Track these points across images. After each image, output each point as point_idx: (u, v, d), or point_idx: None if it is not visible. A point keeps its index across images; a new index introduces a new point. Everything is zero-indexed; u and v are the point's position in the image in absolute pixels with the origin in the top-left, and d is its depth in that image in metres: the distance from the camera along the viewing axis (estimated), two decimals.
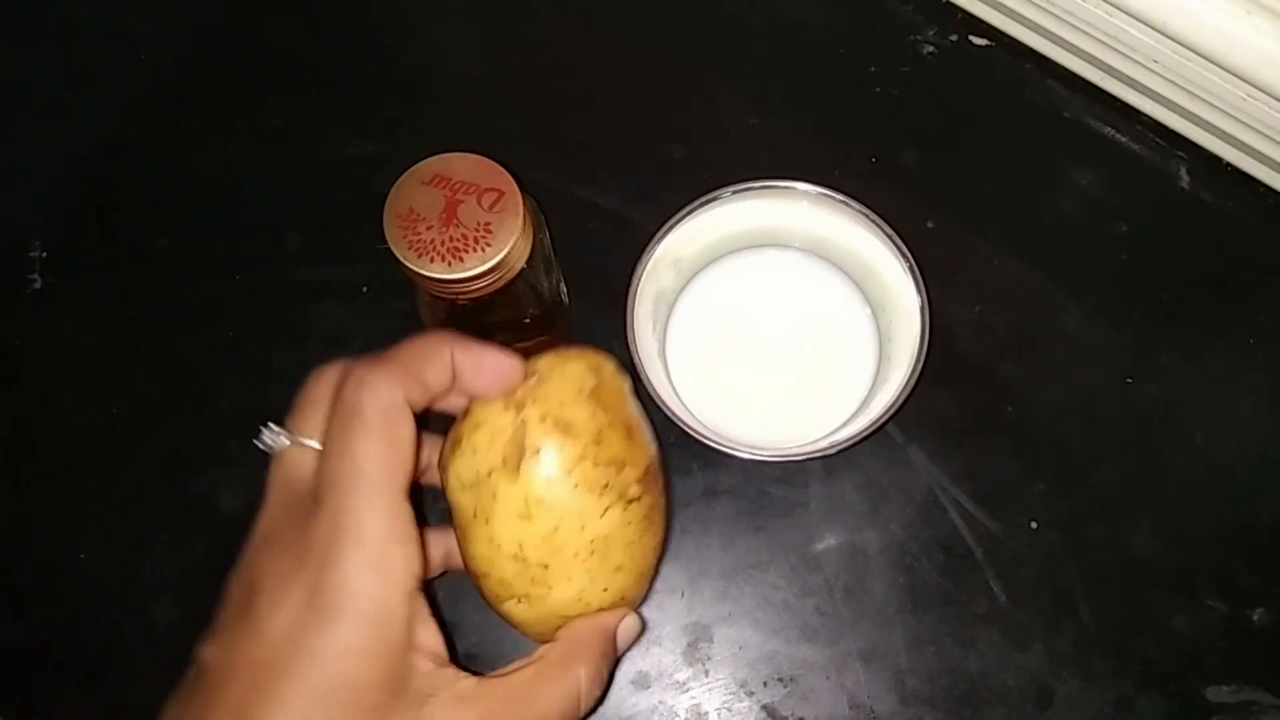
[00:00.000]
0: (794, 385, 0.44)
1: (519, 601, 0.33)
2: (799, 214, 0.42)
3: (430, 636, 0.29)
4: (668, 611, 0.43)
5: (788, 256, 0.45)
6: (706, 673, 0.43)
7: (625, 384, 0.34)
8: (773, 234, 0.44)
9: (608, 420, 0.32)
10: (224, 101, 0.51)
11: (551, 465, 0.31)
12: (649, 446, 0.34)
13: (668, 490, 0.35)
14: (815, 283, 0.45)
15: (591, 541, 0.32)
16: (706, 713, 0.42)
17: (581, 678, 0.31)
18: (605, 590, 0.33)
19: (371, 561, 0.27)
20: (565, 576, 0.32)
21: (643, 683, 0.42)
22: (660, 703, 0.42)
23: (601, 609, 0.33)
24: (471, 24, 0.52)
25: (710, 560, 0.44)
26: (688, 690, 0.42)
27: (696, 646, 0.43)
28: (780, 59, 0.51)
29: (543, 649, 0.32)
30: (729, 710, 0.42)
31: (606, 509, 0.32)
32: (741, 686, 0.42)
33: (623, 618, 0.33)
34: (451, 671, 0.29)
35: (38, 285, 0.48)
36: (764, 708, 0.42)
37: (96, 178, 0.50)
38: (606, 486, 0.32)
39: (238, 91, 0.51)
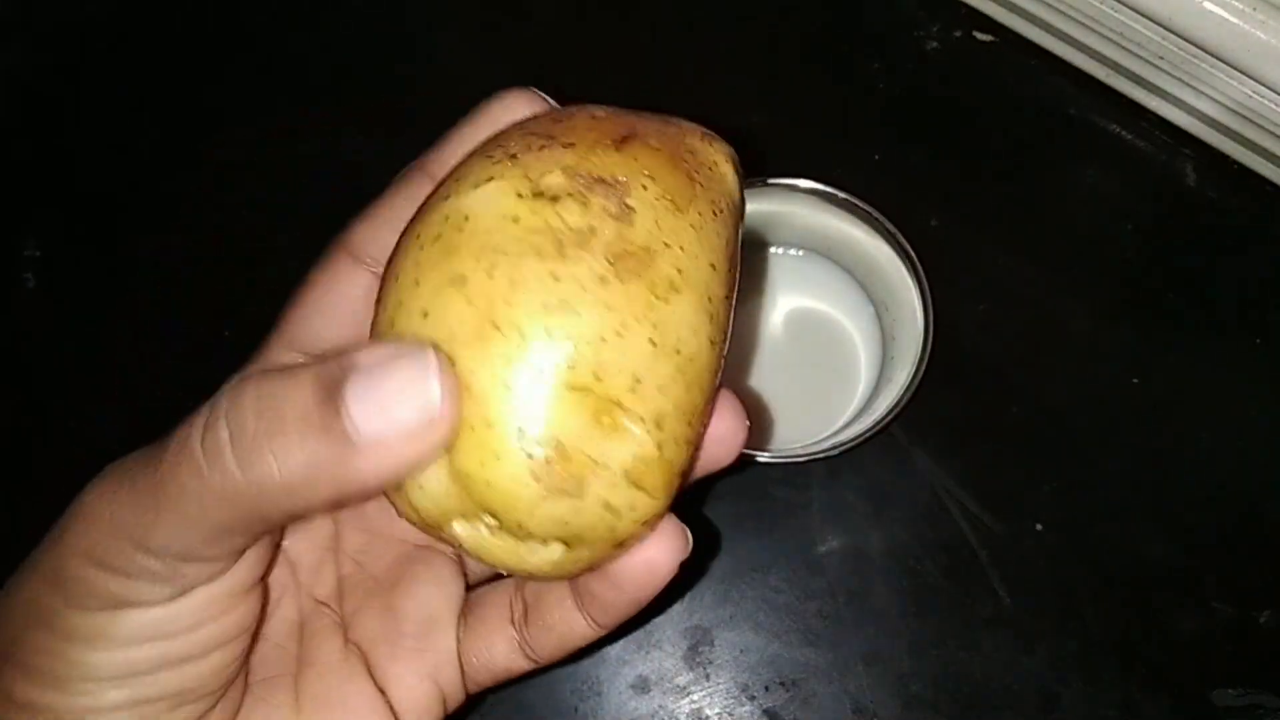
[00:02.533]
0: (795, 385, 0.43)
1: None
2: (801, 212, 0.42)
3: None
4: (668, 614, 0.43)
5: (789, 255, 0.45)
6: (707, 677, 0.42)
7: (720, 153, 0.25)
8: (774, 232, 0.44)
9: (629, 124, 0.24)
10: (222, 101, 0.51)
11: (496, 184, 0.22)
12: (720, 202, 0.24)
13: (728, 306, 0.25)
14: (817, 281, 0.44)
15: (446, 219, 0.22)
16: (707, 717, 0.42)
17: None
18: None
19: None
20: (399, 275, 0.22)
21: (643, 687, 0.42)
22: (660, 707, 0.42)
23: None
24: (471, 23, 0.52)
25: (711, 562, 0.43)
26: (688, 694, 0.42)
27: (697, 650, 0.42)
28: (782, 55, 0.50)
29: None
30: (730, 715, 0.42)
31: (486, 180, 0.22)
32: (743, 690, 0.42)
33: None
34: None
35: (31, 285, 0.48)
36: (766, 712, 0.42)
37: (91, 177, 0.50)
38: (592, 232, 0.22)
39: (235, 90, 0.51)
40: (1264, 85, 0.42)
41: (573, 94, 0.50)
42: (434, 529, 0.23)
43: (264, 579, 0.26)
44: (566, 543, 0.22)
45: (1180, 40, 0.42)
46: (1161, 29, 0.42)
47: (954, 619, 0.42)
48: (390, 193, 0.28)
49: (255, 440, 0.20)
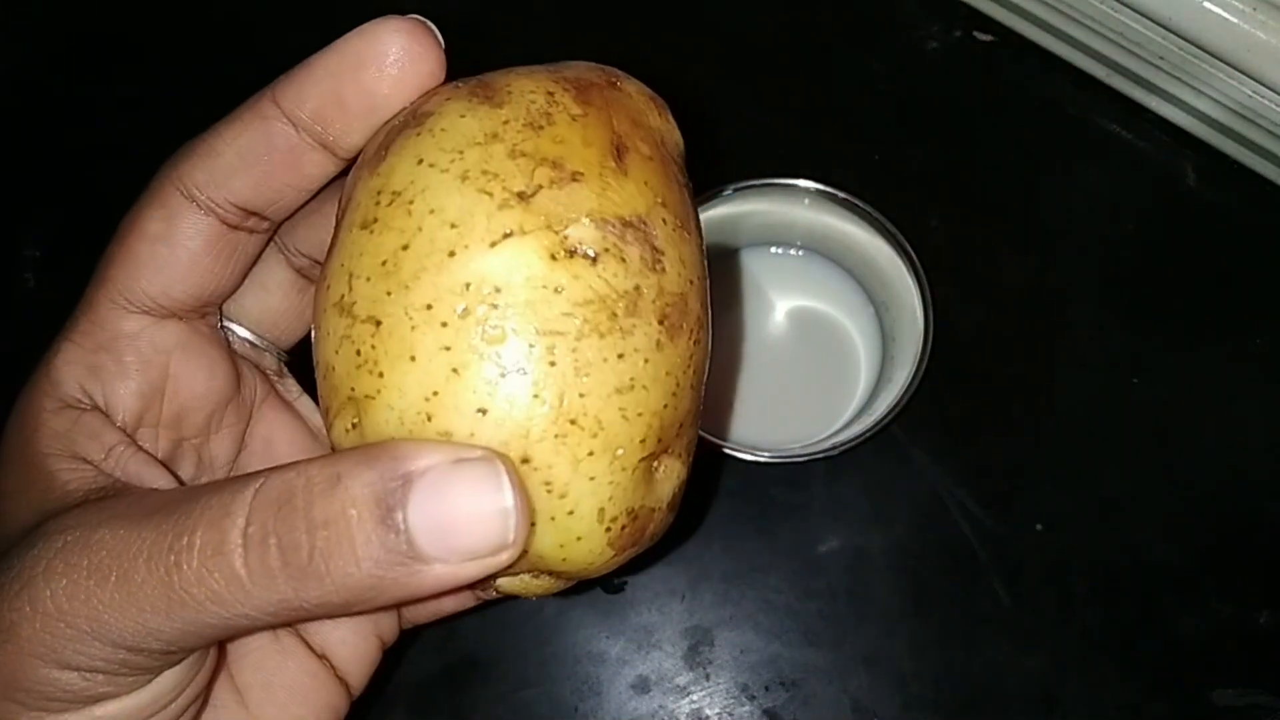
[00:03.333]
0: (795, 385, 0.43)
1: (343, 414, 0.21)
2: (801, 211, 0.42)
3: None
4: (668, 615, 0.43)
5: (789, 254, 0.45)
6: (707, 677, 0.42)
7: (661, 119, 0.24)
8: (774, 232, 0.44)
9: (581, 112, 0.21)
10: (219, 99, 0.51)
11: (435, 138, 0.21)
12: (665, 193, 0.22)
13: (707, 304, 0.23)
14: (817, 281, 0.44)
15: (467, 287, 0.19)
16: (707, 717, 0.42)
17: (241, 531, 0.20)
18: (482, 413, 0.19)
19: None
20: (403, 354, 0.19)
21: (643, 687, 0.42)
22: (660, 707, 0.42)
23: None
24: (472, 22, 0.52)
25: (711, 563, 0.43)
26: (688, 695, 0.42)
27: (697, 650, 0.42)
28: (782, 55, 0.50)
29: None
30: (730, 715, 0.42)
31: (504, 236, 0.19)
32: (743, 691, 0.42)
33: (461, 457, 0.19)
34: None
35: (31, 285, 0.48)
36: (766, 712, 0.42)
37: (91, 177, 0.50)
38: (520, 196, 0.20)
39: (234, 90, 0.51)
40: (1264, 85, 0.42)
41: None
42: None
43: None
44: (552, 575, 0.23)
45: (1180, 40, 0.42)
46: (1162, 29, 0.42)
47: (954, 619, 0.42)
48: (232, 124, 0.25)
49: (312, 563, 0.19)
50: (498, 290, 0.19)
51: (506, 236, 0.20)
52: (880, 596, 0.43)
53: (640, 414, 0.20)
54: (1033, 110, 0.49)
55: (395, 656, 0.34)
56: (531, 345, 0.19)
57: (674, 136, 0.25)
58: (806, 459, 0.39)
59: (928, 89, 0.49)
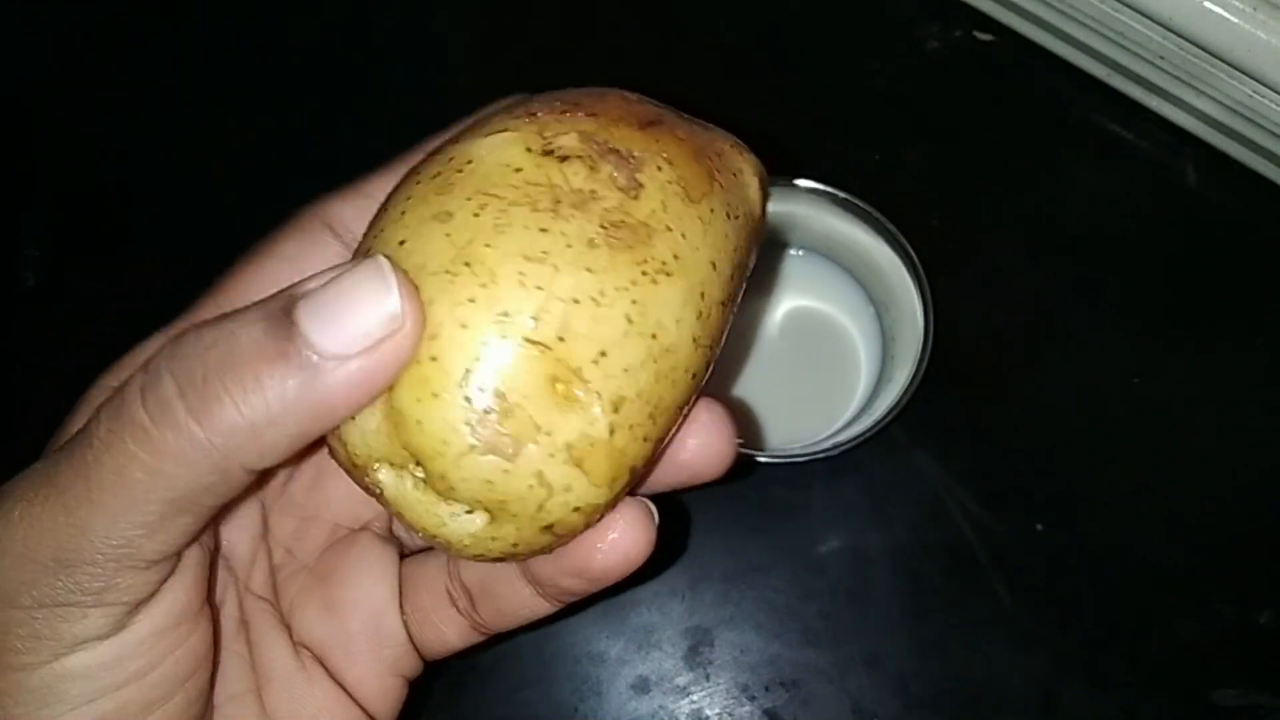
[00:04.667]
0: (796, 385, 0.43)
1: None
2: (801, 211, 0.42)
3: None
4: (668, 615, 0.43)
5: (789, 254, 0.45)
6: (708, 677, 0.42)
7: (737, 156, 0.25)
8: (774, 231, 0.44)
9: (659, 114, 0.23)
10: (219, 100, 0.51)
11: (508, 135, 0.21)
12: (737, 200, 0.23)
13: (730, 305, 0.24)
14: (817, 281, 0.44)
15: (450, 160, 0.21)
16: (708, 717, 0.42)
17: None
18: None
19: None
20: (393, 209, 0.21)
21: (643, 687, 0.42)
22: (660, 707, 0.42)
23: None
24: (471, 22, 0.52)
25: (711, 563, 0.43)
26: (688, 695, 0.42)
27: (697, 650, 0.42)
28: (782, 54, 0.50)
29: None
30: (730, 715, 0.42)
31: (499, 131, 0.21)
32: (743, 691, 0.42)
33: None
34: None
35: (31, 285, 0.48)
36: (766, 712, 0.42)
37: (89, 177, 0.50)
38: (593, 196, 0.21)
39: (233, 90, 0.51)
40: (1264, 85, 0.42)
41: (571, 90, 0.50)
42: (359, 472, 0.21)
43: (210, 601, 0.24)
44: (490, 512, 0.20)
45: (1181, 40, 0.42)
46: (1162, 29, 0.42)
47: (954, 619, 0.42)
48: (382, 171, 0.26)
49: (208, 386, 0.18)
50: (469, 163, 0.21)
51: (501, 131, 0.22)
52: (880, 596, 0.43)
53: (541, 290, 0.19)
54: (1033, 110, 0.49)
55: None
56: (468, 199, 0.20)
57: (749, 184, 0.25)
58: (807, 459, 0.39)
59: (928, 89, 0.49)
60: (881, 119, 0.49)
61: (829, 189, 0.40)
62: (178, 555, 0.21)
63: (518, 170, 0.21)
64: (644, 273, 0.20)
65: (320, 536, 0.28)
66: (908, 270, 0.40)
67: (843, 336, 0.44)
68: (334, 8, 0.52)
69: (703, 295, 0.22)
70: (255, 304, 0.20)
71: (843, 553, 0.43)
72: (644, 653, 0.42)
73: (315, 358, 0.19)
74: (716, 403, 0.24)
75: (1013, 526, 0.43)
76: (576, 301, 0.20)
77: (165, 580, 0.21)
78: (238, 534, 0.27)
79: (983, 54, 0.50)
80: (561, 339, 0.20)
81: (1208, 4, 0.40)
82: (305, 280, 0.20)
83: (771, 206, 0.42)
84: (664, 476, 0.24)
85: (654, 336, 0.21)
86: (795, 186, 0.41)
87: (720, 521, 0.44)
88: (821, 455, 0.38)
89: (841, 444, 0.38)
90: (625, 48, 0.51)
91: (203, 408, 0.19)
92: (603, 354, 0.20)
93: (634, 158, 0.21)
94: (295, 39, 0.51)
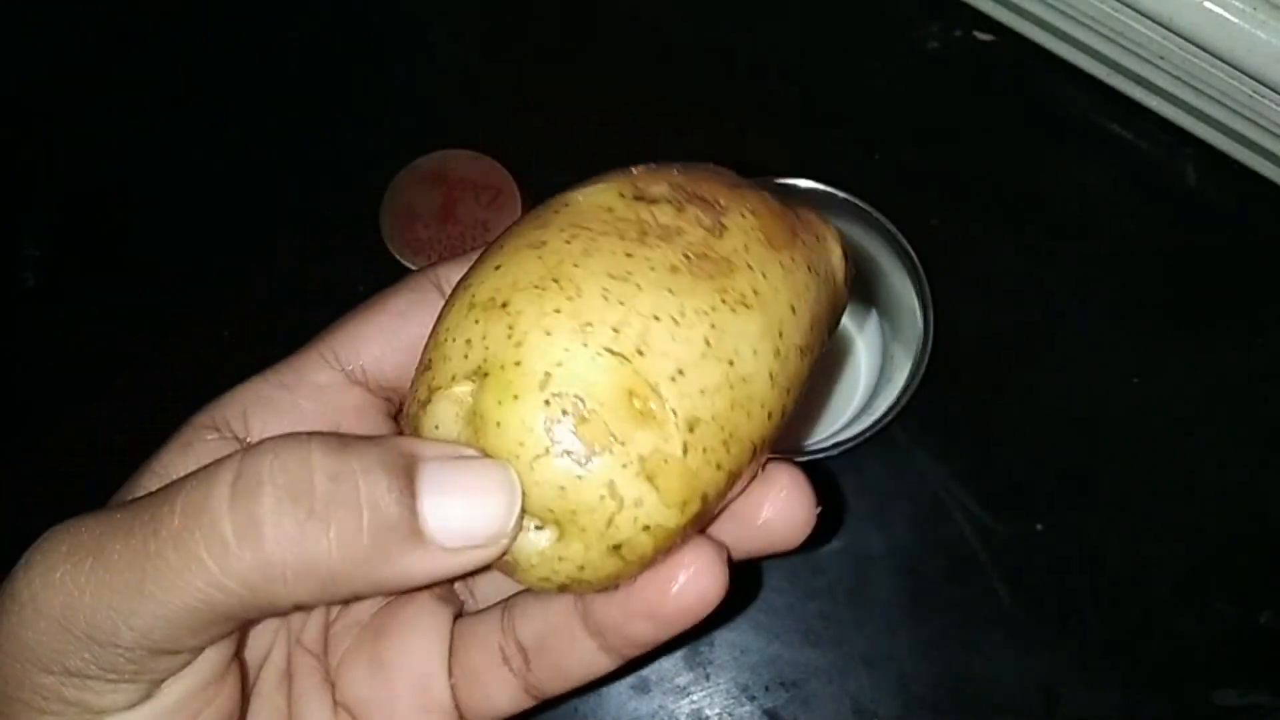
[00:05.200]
0: None
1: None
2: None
3: None
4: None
5: None
6: (707, 677, 0.42)
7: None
8: None
9: (747, 181, 0.25)
10: (219, 100, 0.51)
11: (605, 185, 0.23)
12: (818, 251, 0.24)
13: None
14: None
15: (551, 208, 0.23)
16: (708, 717, 0.42)
17: None
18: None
19: None
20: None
21: (642, 687, 0.42)
22: (660, 707, 0.42)
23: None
24: (471, 22, 0.52)
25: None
26: (688, 695, 0.42)
27: (697, 650, 0.42)
28: (782, 54, 0.50)
29: None
30: (730, 715, 0.42)
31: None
32: (743, 691, 0.42)
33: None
34: None
35: (30, 284, 0.48)
36: (766, 712, 0.42)
37: (89, 177, 0.50)
38: (679, 232, 0.22)
39: (233, 90, 0.51)
40: (1264, 85, 0.42)
41: (572, 91, 0.50)
42: None
43: (240, 656, 0.23)
44: (560, 525, 0.20)
45: (1181, 40, 0.42)
46: (1162, 29, 0.42)
47: (955, 619, 0.42)
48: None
49: (310, 518, 0.18)
50: (565, 205, 0.23)
51: (600, 182, 0.23)
52: (881, 596, 0.42)
53: (623, 305, 0.20)
54: (1032, 110, 0.49)
55: None
56: (561, 230, 0.22)
57: (831, 249, 0.26)
58: (807, 459, 0.39)
59: (928, 89, 0.49)
60: (881, 119, 0.49)
61: (829, 189, 0.40)
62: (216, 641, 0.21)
63: (609, 210, 0.22)
64: (724, 300, 0.21)
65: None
66: (907, 270, 0.40)
67: (843, 336, 0.44)
68: (334, 8, 0.52)
69: (781, 334, 0.22)
70: (372, 443, 0.19)
71: (843, 553, 0.43)
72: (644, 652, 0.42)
73: (426, 535, 0.19)
74: (798, 469, 0.24)
75: (1013, 527, 0.43)
76: (657, 319, 0.20)
77: (192, 658, 0.21)
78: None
79: (983, 54, 0.50)
80: (640, 353, 0.20)
81: (1208, 4, 0.40)
82: (429, 444, 0.20)
83: None
84: (740, 542, 0.24)
85: (731, 363, 0.21)
86: (795, 187, 0.40)
87: None
88: (821, 455, 0.38)
89: (841, 444, 0.38)
90: (625, 48, 0.51)
91: (297, 540, 0.18)
92: (680, 372, 0.20)
93: (719, 205, 0.23)
94: (295, 39, 0.51)
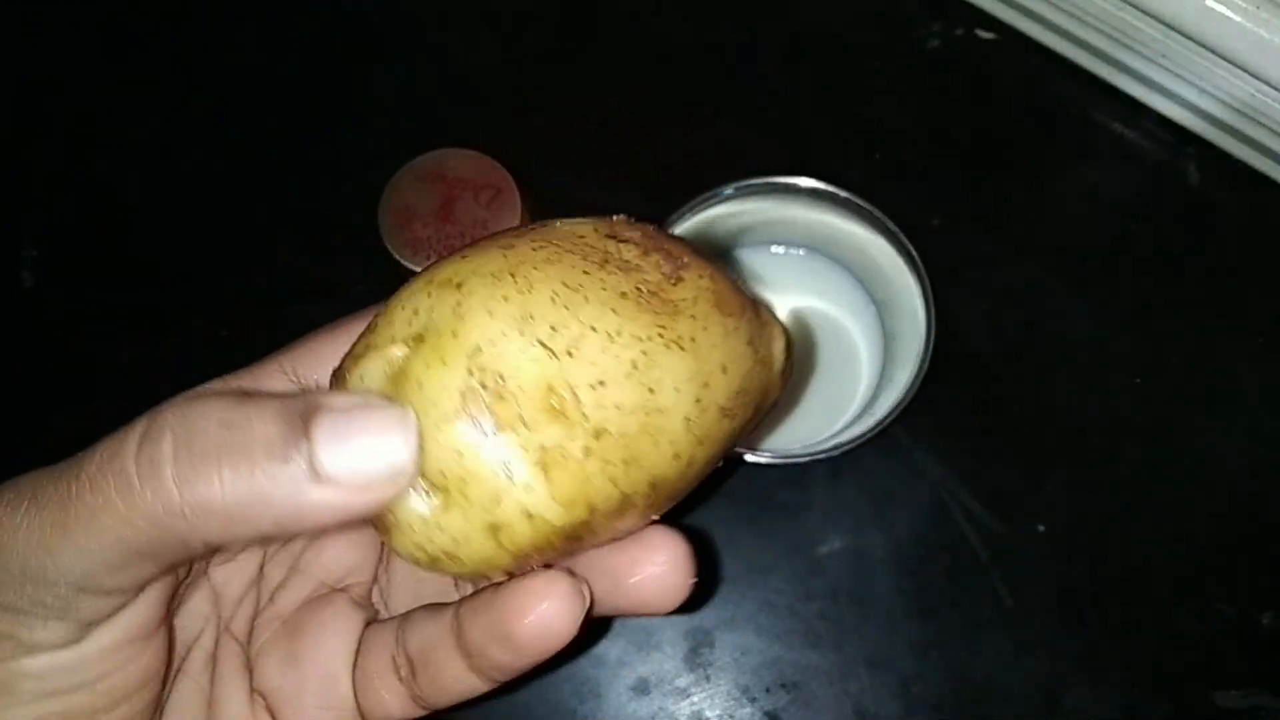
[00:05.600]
0: (797, 385, 0.43)
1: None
2: (801, 211, 0.42)
3: None
4: (668, 616, 0.43)
5: (790, 254, 0.44)
6: (708, 678, 0.42)
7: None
8: (775, 231, 0.44)
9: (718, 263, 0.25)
10: (219, 100, 0.51)
11: (586, 224, 0.24)
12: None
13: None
14: (819, 281, 0.44)
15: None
16: (707, 718, 0.42)
17: None
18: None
19: None
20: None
21: (643, 689, 0.42)
22: (661, 709, 0.42)
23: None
24: (470, 22, 0.51)
25: (712, 564, 0.43)
26: (689, 696, 0.42)
27: (698, 652, 0.42)
28: (783, 53, 0.50)
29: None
30: (731, 717, 0.42)
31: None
32: (744, 693, 0.42)
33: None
34: None
35: (29, 285, 0.48)
36: (767, 714, 0.42)
37: (89, 177, 0.50)
38: (637, 269, 0.23)
39: (233, 90, 0.51)
40: (1267, 83, 0.41)
41: (572, 91, 0.50)
42: None
43: (168, 622, 0.24)
44: (446, 492, 0.21)
45: (1183, 38, 0.42)
46: (1164, 27, 0.42)
47: (956, 620, 0.42)
48: None
49: (203, 458, 0.19)
50: (544, 226, 0.24)
51: (582, 221, 0.24)
52: (881, 597, 0.42)
53: (566, 310, 0.21)
54: (1034, 108, 0.49)
55: None
56: (532, 242, 0.23)
57: (775, 341, 0.26)
58: (808, 459, 0.39)
59: (928, 88, 0.49)
60: (883, 118, 0.49)
61: (829, 189, 0.40)
62: (139, 587, 0.22)
63: (581, 237, 0.23)
64: (660, 334, 0.22)
65: (304, 590, 0.29)
66: (909, 270, 0.40)
67: (844, 336, 0.44)
68: (334, 8, 0.52)
69: (707, 385, 0.23)
70: (281, 399, 0.20)
71: (844, 553, 0.43)
72: (644, 654, 0.42)
73: (319, 473, 0.20)
74: (681, 538, 0.25)
75: (1014, 527, 0.43)
76: (594, 329, 0.21)
77: (125, 605, 0.22)
78: (234, 574, 0.28)
79: (984, 52, 0.49)
80: (570, 354, 0.21)
81: (1210, 2, 0.40)
82: (335, 395, 0.21)
83: (772, 207, 0.42)
84: (608, 595, 0.25)
85: (651, 391, 0.22)
86: (795, 187, 0.40)
87: (721, 522, 0.44)
88: (822, 455, 0.38)
89: (843, 444, 0.38)
90: (625, 48, 0.51)
91: (190, 478, 0.19)
92: (601, 383, 0.21)
93: (682, 261, 0.24)
94: (295, 39, 0.51)
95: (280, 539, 0.21)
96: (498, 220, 0.33)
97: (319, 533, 0.21)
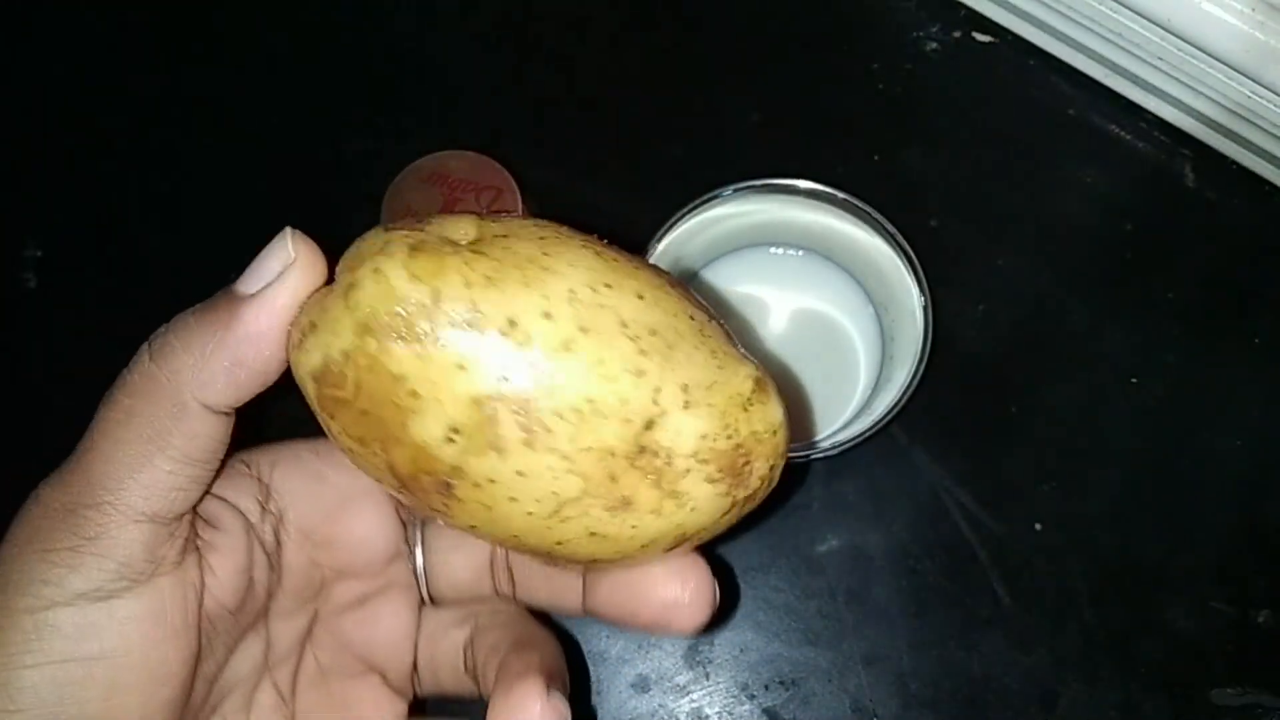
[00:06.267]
0: (796, 386, 0.43)
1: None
2: (800, 212, 0.42)
3: None
4: None
5: (789, 255, 0.45)
6: (707, 676, 0.42)
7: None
8: (773, 232, 0.44)
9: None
10: (219, 100, 0.51)
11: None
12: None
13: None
14: (817, 281, 0.44)
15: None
16: (707, 716, 0.42)
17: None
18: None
19: None
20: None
21: (642, 686, 0.42)
22: (660, 706, 0.42)
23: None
24: (471, 22, 0.52)
25: (711, 562, 0.43)
26: (688, 694, 0.42)
27: (697, 649, 0.42)
28: (781, 55, 0.50)
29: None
30: (730, 714, 0.42)
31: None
32: (743, 690, 0.42)
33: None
34: None
35: (32, 285, 0.48)
36: (765, 711, 0.42)
37: (92, 177, 0.50)
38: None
39: (233, 90, 0.51)
40: (1262, 86, 0.42)
41: (572, 92, 0.50)
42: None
43: (197, 631, 0.25)
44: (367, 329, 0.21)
45: (1179, 41, 0.42)
46: (1160, 30, 0.42)
47: (954, 618, 0.42)
48: None
49: (166, 338, 0.24)
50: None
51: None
52: (880, 596, 0.43)
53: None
54: (1031, 111, 0.49)
55: None
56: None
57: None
58: (806, 459, 0.39)
59: (927, 90, 0.49)
60: (881, 119, 0.49)
61: (829, 189, 0.40)
62: (166, 526, 0.24)
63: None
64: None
65: (345, 662, 0.30)
66: (907, 270, 0.40)
67: (842, 337, 0.44)
68: (335, 9, 0.52)
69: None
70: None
71: (842, 552, 0.43)
72: (644, 651, 0.42)
73: (238, 299, 0.24)
74: (705, 567, 0.27)
75: (1012, 526, 0.43)
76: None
77: (152, 574, 0.24)
78: (286, 630, 0.29)
79: (982, 55, 0.50)
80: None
81: (1206, 5, 0.40)
82: None
83: (771, 207, 0.42)
84: (629, 610, 0.27)
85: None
86: (795, 187, 0.41)
87: None
88: (821, 455, 0.38)
89: (841, 444, 0.38)
90: (626, 48, 0.51)
91: (160, 352, 0.24)
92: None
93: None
94: (296, 39, 0.51)
95: (252, 362, 0.24)
96: None
97: (273, 338, 0.24)
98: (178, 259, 0.48)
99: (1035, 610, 0.42)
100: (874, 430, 0.38)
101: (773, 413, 0.24)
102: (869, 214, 0.40)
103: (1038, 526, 0.43)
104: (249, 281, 0.24)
